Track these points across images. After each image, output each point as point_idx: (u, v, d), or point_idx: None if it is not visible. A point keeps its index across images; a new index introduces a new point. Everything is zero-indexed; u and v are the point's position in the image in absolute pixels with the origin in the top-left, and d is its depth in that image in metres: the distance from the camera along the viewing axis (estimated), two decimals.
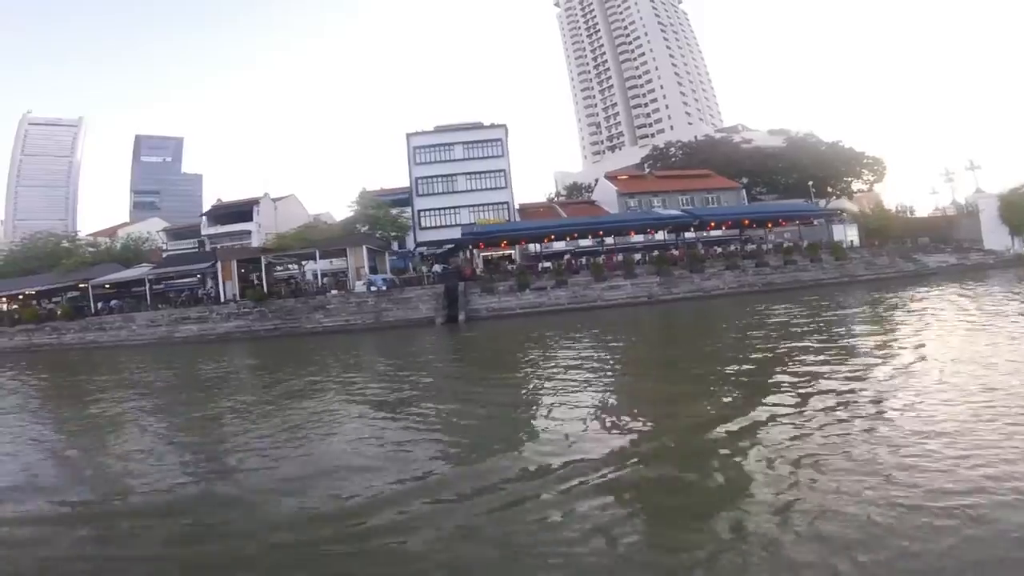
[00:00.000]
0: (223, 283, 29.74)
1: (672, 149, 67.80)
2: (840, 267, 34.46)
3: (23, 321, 35.10)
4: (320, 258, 30.89)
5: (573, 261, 30.95)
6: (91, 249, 39.69)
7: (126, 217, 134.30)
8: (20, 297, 41.13)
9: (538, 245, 38.33)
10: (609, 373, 11.43)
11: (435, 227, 42.67)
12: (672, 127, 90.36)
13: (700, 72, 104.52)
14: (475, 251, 34.39)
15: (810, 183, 59.49)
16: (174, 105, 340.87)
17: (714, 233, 37.08)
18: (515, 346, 17.06)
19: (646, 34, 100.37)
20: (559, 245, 38.46)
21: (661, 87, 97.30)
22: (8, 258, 44.18)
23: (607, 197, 47.57)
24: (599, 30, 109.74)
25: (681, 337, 15.97)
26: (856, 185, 68.64)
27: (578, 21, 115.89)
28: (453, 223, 42.74)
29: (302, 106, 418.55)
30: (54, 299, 38.36)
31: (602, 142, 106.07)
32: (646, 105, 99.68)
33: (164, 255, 42.90)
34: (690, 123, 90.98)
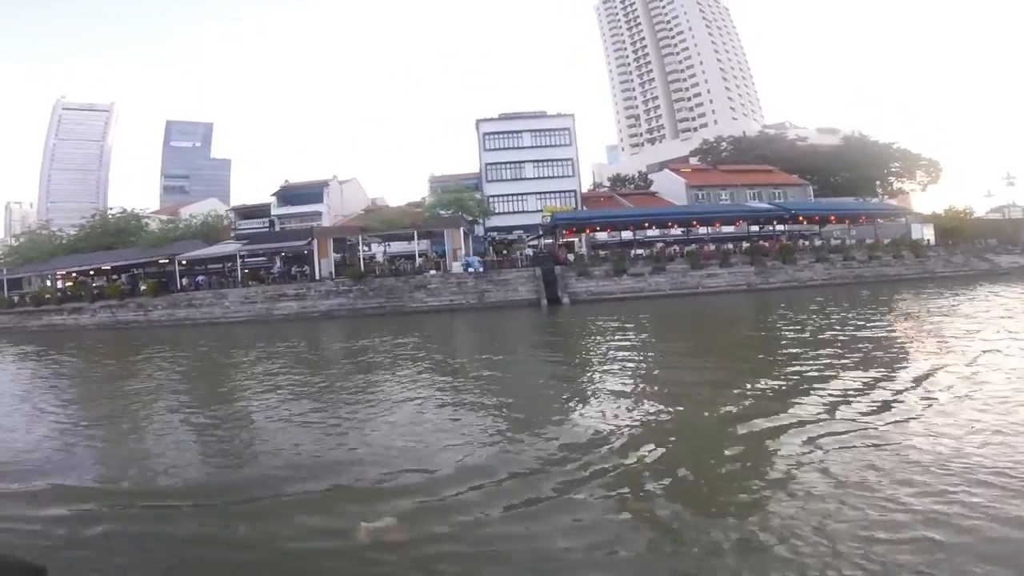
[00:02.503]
0: (319, 261, 29.93)
1: (723, 144, 67.27)
2: (920, 263, 35.21)
3: (105, 296, 34.99)
4: (418, 238, 31.05)
5: (667, 249, 30.86)
6: (170, 225, 39.91)
7: (156, 201, 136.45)
8: (91, 273, 41.70)
9: (604, 233, 38.49)
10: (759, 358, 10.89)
11: (504, 213, 42.65)
12: (716, 121, 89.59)
13: (743, 67, 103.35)
14: (560, 237, 34.34)
15: (877, 183, 59.18)
16: (204, 90, 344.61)
17: (778, 228, 37.38)
18: (640, 328, 17.21)
19: (690, 28, 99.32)
20: (626, 235, 38.55)
21: (705, 81, 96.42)
22: (81, 235, 44.63)
23: (670, 189, 47.34)
24: (640, 23, 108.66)
25: (805, 323, 15.77)
26: (909, 186, 68.15)
27: (618, 15, 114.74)
28: (521, 209, 42.91)
29: (339, 91, 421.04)
30: (123, 275, 38.13)
31: (641, 134, 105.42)
32: (689, 99, 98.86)
33: (232, 234, 43.31)
34: (735, 118, 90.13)
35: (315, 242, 30.25)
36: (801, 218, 34.45)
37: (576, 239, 38.47)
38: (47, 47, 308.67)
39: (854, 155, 62.61)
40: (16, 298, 41.53)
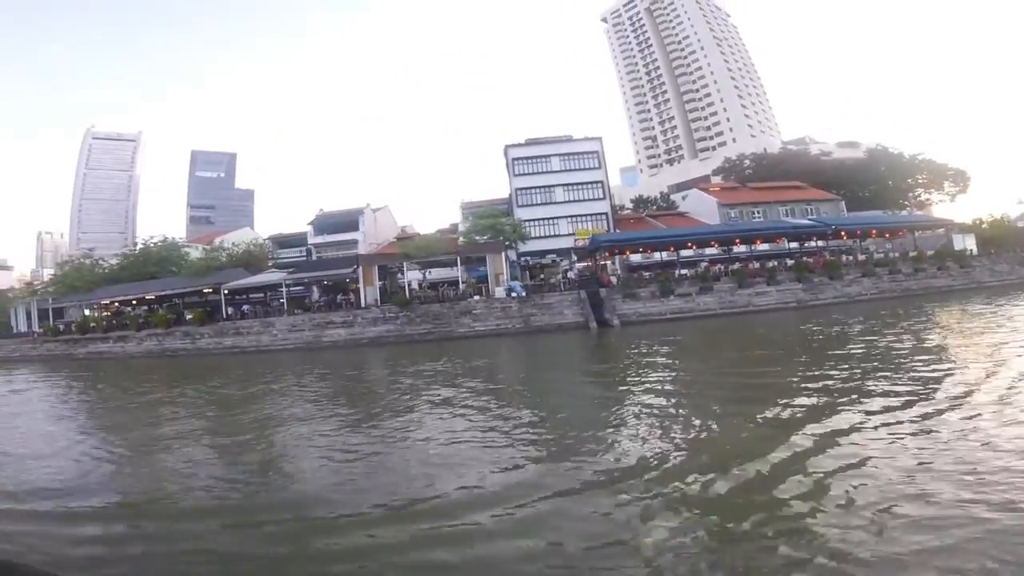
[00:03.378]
0: (364, 288, 30.37)
1: (746, 161, 67.42)
2: (966, 274, 34.85)
3: (151, 325, 35.28)
4: (469, 265, 31.39)
5: (712, 268, 30.85)
6: (213, 254, 40.73)
7: (182, 230, 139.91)
8: (133, 302, 42.55)
9: (639, 255, 38.60)
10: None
11: (536, 237, 43.01)
12: (735, 139, 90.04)
13: (755, 84, 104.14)
14: (602, 259, 34.48)
15: (910, 195, 58.76)
16: (226, 120, 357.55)
17: (817, 244, 37.15)
18: (704, 347, 17.20)
19: (702, 48, 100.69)
20: (659, 256, 38.57)
21: (721, 100, 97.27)
22: (125, 263, 45.54)
23: (700, 208, 47.45)
24: (651, 45, 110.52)
25: (867, 336, 15.61)
26: (937, 197, 67.47)
27: (628, 37, 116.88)
28: (552, 233, 43.23)
29: (360, 122, 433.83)
30: (163, 304, 38.96)
31: (659, 155, 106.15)
32: (706, 119, 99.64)
33: (270, 263, 44.19)
34: (753, 135, 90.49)
35: (360, 269, 30.70)
36: (843, 233, 34.21)
37: (609, 261, 38.68)
38: (74, 77, 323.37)
39: (880, 168, 62.42)
40: (61, 326, 42.71)
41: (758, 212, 44.74)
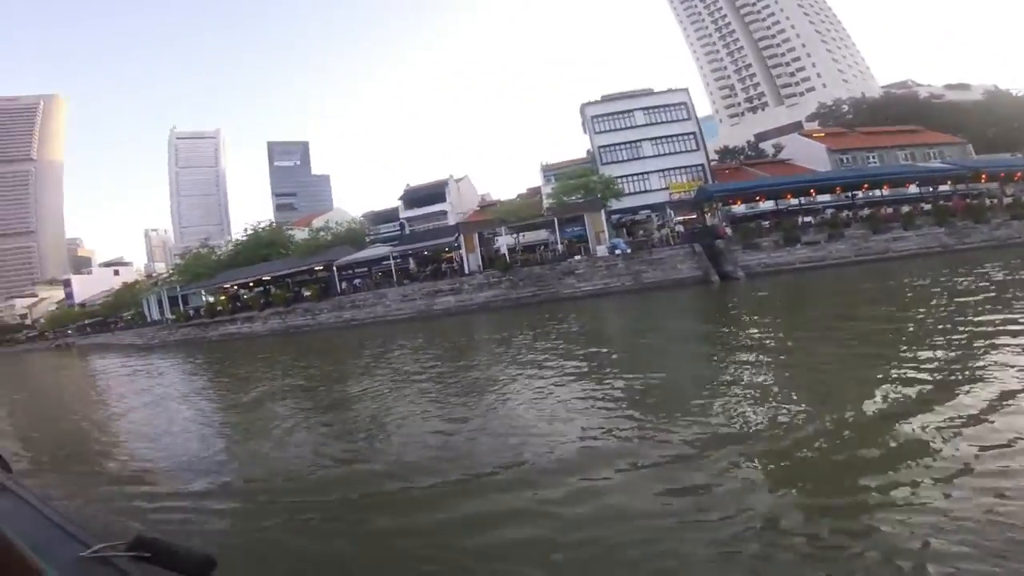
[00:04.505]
0: (466, 255, 30.92)
1: (844, 106, 61.25)
2: None
3: (273, 304, 37.37)
4: (560, 226, 31.08)
5: (844, 214, 28.58)
6: (321, 234, 42.66)
7: (270, 217, 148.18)
8: (250, 284, 45.51)
9: (743, 206, 36.24)
10: None
11: (626, 194, 41.45)
12: (824, 85, 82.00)
13: (837, 28, 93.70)
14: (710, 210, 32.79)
15: None
16: (297, 110, 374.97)
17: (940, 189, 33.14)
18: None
19: None
20: (765, 206, 36.02)
21: (803, 45, 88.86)
22: (239, 248, 48.21)
23: (804, 155, 43.66)
24: None
25: None
26: None
27: None
28: (642, 189, 41.55)
29: (420, 97, 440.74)
30: (271, 286, 40.29)
31: (739, 104, 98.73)
32: (788, 64, 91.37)
33: (368, 239, 45.93)
34: (845, 80, 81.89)
35: (461, 237, 31.21)
36: (984, 176, 30.48)
37: (708, 213, 36.65)
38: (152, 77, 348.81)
39: (1001, 110, 55.20)
40: (191, 312, 46.71)
41: (873, 157, 40.47)
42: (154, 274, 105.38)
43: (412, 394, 9.86)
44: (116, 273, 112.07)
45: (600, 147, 43.12)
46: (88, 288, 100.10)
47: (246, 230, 49.80)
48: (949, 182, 31.72)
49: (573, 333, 15.87)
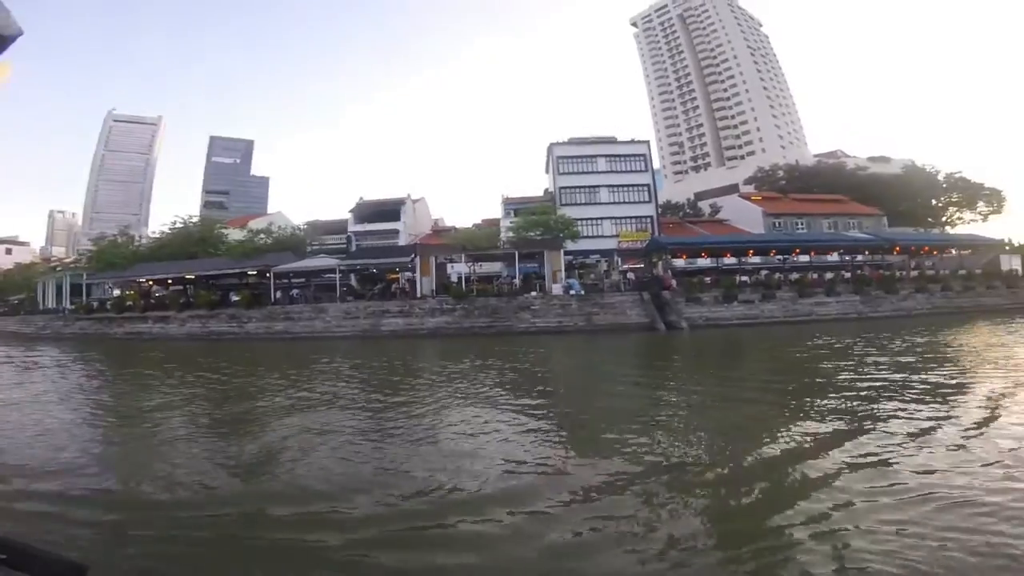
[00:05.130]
0: (420, 278, 30.20)
1: (779, 172, 67.18)
2: (1013, 294, 35.21)
3: (194, 306, 34.60)
4: (520, 260, 31.19)
5: (776, 276, 30.79)
6: (260, 237, 40.20)
7: (197, 215, 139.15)
8: (169, 282, 41.92)
9: (681, 260, 38.37)
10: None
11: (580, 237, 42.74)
12: (764, 150, 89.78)
13: (785, 95, 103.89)
14: (658, 261, 34.26)
15: (949, 214, 58.76)
16: (245, 106, 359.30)
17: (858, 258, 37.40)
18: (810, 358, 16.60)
19: (735, 56, 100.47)
20: (703, 262, 38.36)
21: (752, 109, 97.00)
22: (164, 240, 44.91)
23: (741, 216, 47.19)
24: (682, 51, 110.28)
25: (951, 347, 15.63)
26: (969, 216, 67.19)
27: (659, 42, 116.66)
28: (595, 234, 42.97)
29: (375, 113, 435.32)
30: (205, 285, 37.78)
31: (685, 162, 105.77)
32: (735, 127, 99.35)
33: (309, 248, 43.80)
34: (783, 146, 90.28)
35: (418, 259, 30.52)
36: (897, 249, 34.22)
37: (656, 263, 38.39)
38: (96, 61, 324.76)
39: (914, 185, 62.21)
40: (95, 304, 42.13)
41: (802, 223, 44.56)
42: (52, 258, 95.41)
43: (334, 415, 9.48)
44: (8, 252, 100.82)
45: (561, 187, 44.38)
46: None
47: (175, 222, 46.22)
48: (867, 252, 35.39)
49: (523, 366, 16.01)
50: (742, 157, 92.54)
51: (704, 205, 72.53)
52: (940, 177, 64.66)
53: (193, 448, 7.61)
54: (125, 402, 12.26)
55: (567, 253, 41.96)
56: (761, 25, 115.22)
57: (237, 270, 36.42)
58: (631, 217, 43.33)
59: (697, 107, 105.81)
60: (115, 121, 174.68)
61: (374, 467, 6.34)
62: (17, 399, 12.26)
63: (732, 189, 76.95)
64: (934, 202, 64.34)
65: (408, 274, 35.35)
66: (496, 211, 47.30)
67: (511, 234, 37.38)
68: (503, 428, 7.90)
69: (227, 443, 7.94)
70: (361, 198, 47.96)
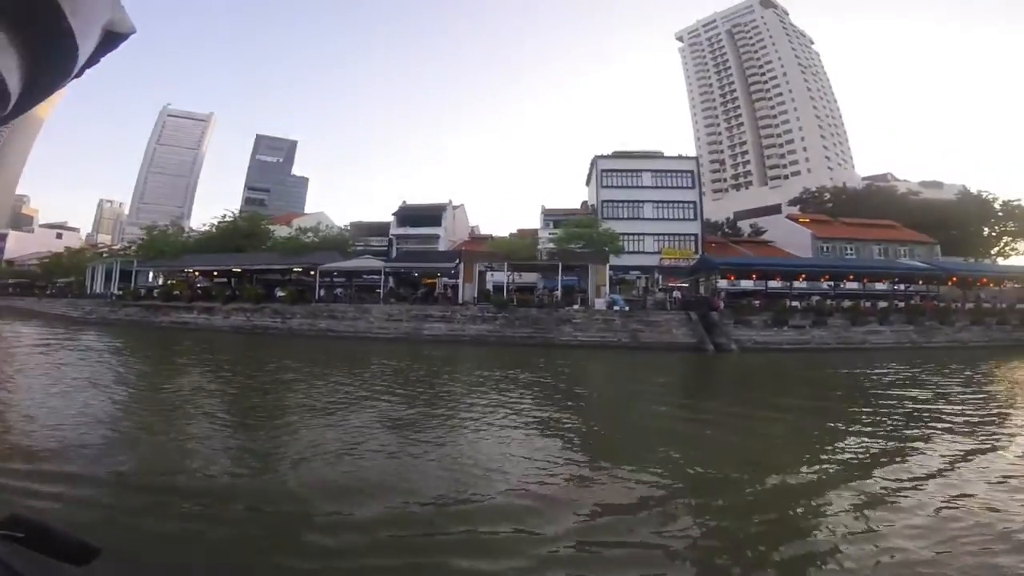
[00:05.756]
0: (463, 285, 30.34)
1: (826, 194, 65.33)
2: None
3: (240, 299, 35.49)
4: (557, 273, 31.03)
5: (827, 302, 29.87)
6: (308, 235, 41.00)
7: (237, 209, 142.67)
8: (214, 274, 43.09)
9: (725, 281, 37.50)
10: None
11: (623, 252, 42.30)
12: (809, 170, 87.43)
13: (835, 115, 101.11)
14: (705, 280, 33.67)
15: (1000, 243, 55.97)
16: (288, 107, 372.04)
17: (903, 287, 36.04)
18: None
19: (784, 73, 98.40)
20: (746, 284, 37.39)
21: (800, 128, 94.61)
22: (215, 233, 45.87)
23: (788, 238, 45.95)
24: (729, 68, 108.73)
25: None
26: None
27: (705, 58, 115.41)
28: (636, 250, 42.43)
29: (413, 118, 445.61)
30: (251, 279, 38.27)
31: (725, 180, 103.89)
32: (780, 146, 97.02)
33: (350, 249, 44.44)
34: (830, 168, 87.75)
35: (461, 266, 30.70)
36: (954, 279, 32.78)
37: (703, 283, 37.62)
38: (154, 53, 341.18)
39: (969, 212, 59.54)
40: (143, 291, 43.55)
41: (851, 249, 43.11)
42: (100, 245, 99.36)
43: (369, 414, 9.76)
44: (59, 236, 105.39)
45: (604, 201, 44.06)
46: (23, 246, 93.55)
47: (224, 216, 47.62)
48: (921, 281, 34.02)
49: (564, 378, 16.05)
50: (786, 177, 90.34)
51: (744, 225, 71.09)
52: (996, 205, 61.64)
53: (218, 440, 7.91)
54: (162, 390, 12.68)
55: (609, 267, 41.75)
56: (813, 43, 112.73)
57: (285, 266, 37.13)
58: (675, 235, 42.67)
59: (741, 124, 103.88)
60: (169, 116, 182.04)
61: (395, 472, 6.46)
62: (62, 382, 12.74)
63: (774, 209, 75.24)
64: (987, 231, 61.57)
65: (446, 280, 35.68)
66: (531, 221, 47.47)
67: (551, 245, 37.22)
68: (552, 448, 7.79)
69: (254, 437, 8.20)
70: (404, 202, 48.68)
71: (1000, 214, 60.82)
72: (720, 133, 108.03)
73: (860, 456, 7.57)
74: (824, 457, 7.58)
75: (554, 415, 10.20)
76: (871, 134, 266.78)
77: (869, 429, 9.27)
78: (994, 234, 61.19)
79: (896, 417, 10.35)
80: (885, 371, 18.36)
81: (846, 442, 8.34)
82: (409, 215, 46.61)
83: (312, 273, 36.87)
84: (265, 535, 4.66)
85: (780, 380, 17.77)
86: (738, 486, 6.15)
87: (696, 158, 45.04)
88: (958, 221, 58.19)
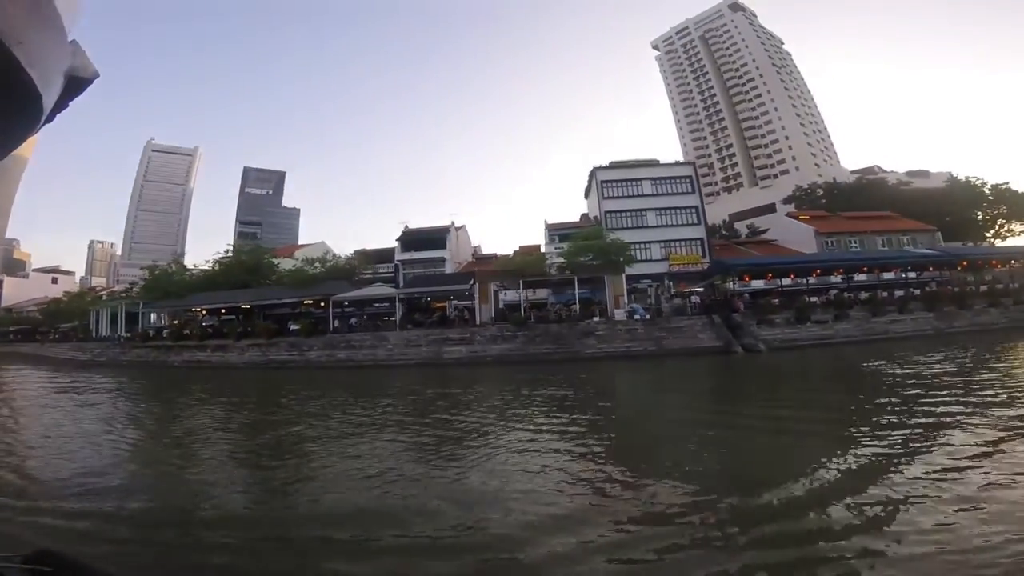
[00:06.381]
0: (479, 306, 30.28)
1: (819, 191, 66.33)
2: None
3: (253, 335, 35.28)
4: (566, 287, 31.11)
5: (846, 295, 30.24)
6: (315, 266, 40.75)
7: (230, 244, 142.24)
8: (222, 311, 42.76)
9: (736, 282, 37.78)
10: None
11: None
12: (798, 168, 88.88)
13: (814, 112, 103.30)
14: (720, 283, 33.88)
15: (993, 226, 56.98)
16: (279, 138, 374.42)
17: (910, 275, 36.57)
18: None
19: (760, 76, 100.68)
20: (756, 284, 37.64)
21: (783, 127, 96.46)
22: (219, 270, 45.58)
23: (790, 236, 46.45)
24: (707, 72, 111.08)
25: None
26: (1018, 228, 65.06)
27: (682, 64, 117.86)
28: (644, 258, 42.54)
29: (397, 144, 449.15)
30: (262, 314, 37.99)
31: (716, 183, 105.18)
32: (766, 146, 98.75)
33: (355, 277, 44.32)
34: (817, 164, 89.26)
35: (476, 286, 30.66)
36: (963, 263, 33.36)
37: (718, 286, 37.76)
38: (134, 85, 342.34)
39: (960, 198, 60.68)
40: (151, 331, 43.14)
41: (855, 242, 43.59)
42: (98, 288, 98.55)
43: (392, 439, 9.87)
44: (55, 281, 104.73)
45: (607, 212, 44.23)
46: (20, 292, 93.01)
47: (227, 252, 47.57)
48: (931, 268, 34.52)
49: (600, 390, 16.20)
50: (775, 176, 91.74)
51: (740, 226, 71.87)
52: (986, 189, 62.91)
53: (238, 473, 8.06)
54: (187, 427, 12.80)
55: None
56: (783, 43, 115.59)
57: (296, 299, 36.87)
58: (680, 240, 42.89)
59: (725, 127, 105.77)
60: (154, 151, 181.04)
61: (417, 497, 6.47)
62: (85, 422, 13.02)
63: (769, 209, 76.20)
64: (980, 215, 62.73)
65: (455, 302, 35.60)
66: (529, 237, 47.67)
67: (561, 260, 37.27)
68: (609, 465, 7.64)
69: (273, 468, 8.29)
70: (406, 226, 48.74)
71: (991, 198, 62.20)
72: (706, 137, 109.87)
73: (954, 456, 7.05)
74: (905, 462, 7.07)
75: (599, 429, 10.19)
76: (850, 128, 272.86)
77: (945, 420, 9.10)
78: (988, 218, 62.49)
79: (966, 406, 10.18)
80: (925, 358, 18.45)
81: (936, 440, 8.00)
82: (413, 240, 46.58)
83: (323, 304, 36.77)
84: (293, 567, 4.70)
85: (820, 377, 17.78)
86: (820, 500, 5.80)
87: (693, 163, 45.64)
88: (950, 207, 59.33)
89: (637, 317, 28.39)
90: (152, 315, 46.50)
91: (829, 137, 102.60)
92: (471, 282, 31.52)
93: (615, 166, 47.43)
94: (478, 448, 8.81)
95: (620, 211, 44.19)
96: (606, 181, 45.17)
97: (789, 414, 10.92)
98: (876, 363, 18.48)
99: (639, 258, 42.33)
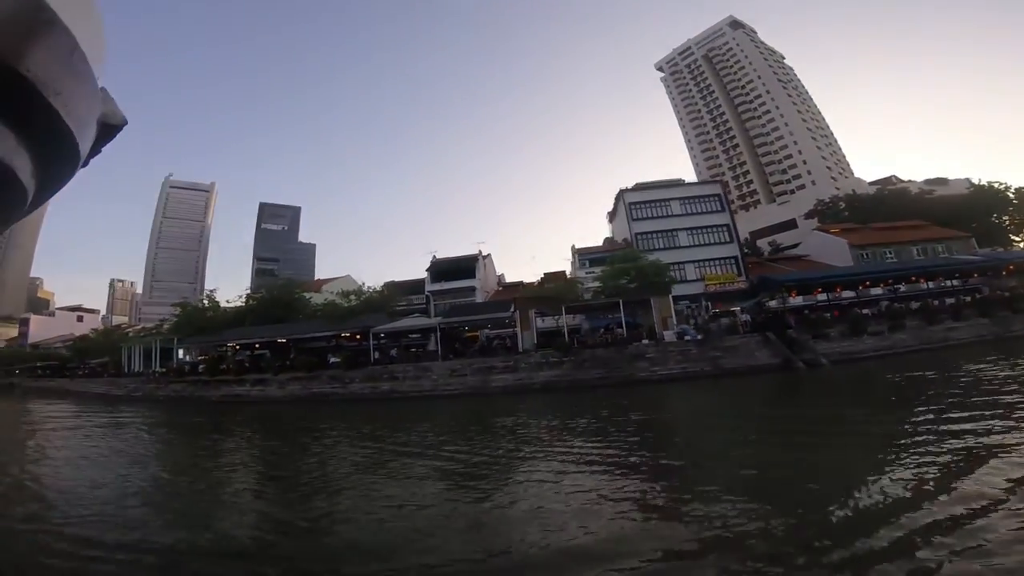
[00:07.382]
0: (520, 333, 30.09)
1: (841, 203, 66.11)
2: None
3: (293, 369, 35.42)
4: (604, 312, 30.96)
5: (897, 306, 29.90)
6: (352, 298, 40.97)
7: (247, 281, 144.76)
8: (256, 346, 42.99)
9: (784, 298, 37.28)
10: None
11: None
12: (814, 182, 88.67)
13: (823, 125, 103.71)
14: (767, 300, 33.52)
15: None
16: (294, 173, 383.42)
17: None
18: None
19: (768, 91, 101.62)
20: (793, 301, 37.13)
21: (795, 142, 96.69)
22: (252, 305, 46.03)
23: (823, 251, 46.08)
24: (713, 91, 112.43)
25: None
26: None
27: (687, 84, 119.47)
28: (680, 279, 42.23)
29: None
30: (297, 348, 38.45)
31: (732, 201, 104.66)
32: (780, 162, 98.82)
33: (389, 310, 44.43)
34: (833, 177, 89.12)
35: (517, 313, 30.55)
36: (1009, 268, 33.00)
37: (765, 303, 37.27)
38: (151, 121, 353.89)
39: (985, 204, 60.15)
40: (187, 367, 43.44)
41: (890, 252, 43.10)
42: (122, 326, 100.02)
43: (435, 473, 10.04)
44: (80, 319, 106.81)
45: (637, 233, 44.23)
46: (46, 330, 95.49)
47: (259, 290, 48.38)
48: (976, 274, 34.02)
49: (666, 416, 16.14)
50: (792, 192, 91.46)
51: (763, 244, 71.50)
52: (1010, 193, 62.33)
53: (270, 506, 8.34)
54: (234, 461, 13.14)
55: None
56: (784, 57, 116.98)
57: (334, 332, 36.99)
58: (714, 259, 42.63)
59: (737, 145, 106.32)
60: (172, 188, 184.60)
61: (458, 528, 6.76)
62: (127, 455, 13.66)
63: (790, 225, 76.02)
64: (1006, 220, 62.00)
65: (487, 331, 35.45)
66: (550, 263, 47.72)
67: (596, 284, 37.11)
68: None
69: (308, 501, 8.52)
70: (434, 256, 49.08)
71: (1015, 202, 61.56)
72: (718, 156, 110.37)
73: None
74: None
75: (688, 462, 9.98)
76: (856, 141, 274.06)
77: None
78: (1015, 222, 61.72)
79: None
80: (1006, 362, 17.94)
81: None
82: (443, 269, 46.84)
83: (359, 336, 36.90)
84: None
85: (895, 389, 16.91)
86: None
87: (720, 181, 45.77)
88: (975, 213, 58.79)
89: (688, 338, 28.00)
90: (180, 351, 46.90)
91: (841, 150, 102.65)
92: (511, 309, 31.37)
93: (640, 187, 47.71)
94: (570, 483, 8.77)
95: (651, 232, 44.21)
96: (634, 203, 45.34)
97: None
98: (941, 371, 17.93)
99: (675, 279, 42.09)
